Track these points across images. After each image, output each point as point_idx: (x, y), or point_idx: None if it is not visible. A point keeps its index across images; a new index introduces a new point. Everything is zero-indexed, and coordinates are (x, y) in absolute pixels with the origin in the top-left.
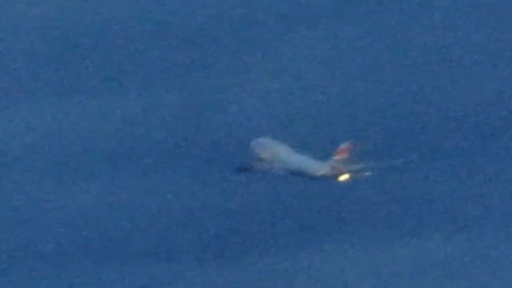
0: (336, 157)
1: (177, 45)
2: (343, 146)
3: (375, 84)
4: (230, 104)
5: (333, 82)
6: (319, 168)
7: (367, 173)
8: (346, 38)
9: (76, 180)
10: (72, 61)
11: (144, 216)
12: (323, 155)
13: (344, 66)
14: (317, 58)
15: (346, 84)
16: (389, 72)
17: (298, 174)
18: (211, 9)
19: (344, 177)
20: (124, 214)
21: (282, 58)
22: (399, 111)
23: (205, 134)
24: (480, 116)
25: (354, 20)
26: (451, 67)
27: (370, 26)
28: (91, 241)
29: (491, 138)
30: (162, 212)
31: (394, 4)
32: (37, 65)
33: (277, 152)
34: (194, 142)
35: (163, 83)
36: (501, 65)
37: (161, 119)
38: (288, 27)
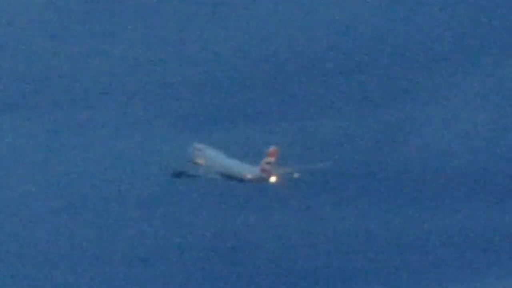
0: (267, 160)
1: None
2: (272, 149)
3: None
4: (416, 131)
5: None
6: (250, 171)
7: (295, 175)
8: None
9: None
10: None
11: None
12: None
13: None
14: (502, 92)
15: None
16: None
17: (231, 177)
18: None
19: (273, 179)
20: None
21: (466, 90)
22: None
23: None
24: None
25: None
26: None
27: None
28: None
29: None
30: None
31: None
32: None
33: (211, 157)
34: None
35: (359, 109)
36: None
37: (357, 142)
38: (474, 60)
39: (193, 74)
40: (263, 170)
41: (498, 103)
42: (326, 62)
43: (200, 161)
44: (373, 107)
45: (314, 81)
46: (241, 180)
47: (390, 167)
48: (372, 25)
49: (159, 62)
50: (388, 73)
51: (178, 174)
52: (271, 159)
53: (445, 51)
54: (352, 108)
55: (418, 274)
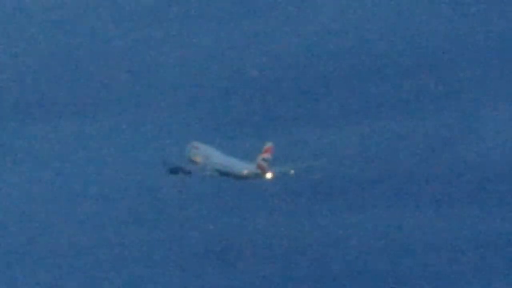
0: (262, 156)
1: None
2: (268, 145)
3: None
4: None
5: None
6: (246, 167)
7: (291, 171)
8: None
9: None
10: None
11: None
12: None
13: None
14: None
15: None
16: None
17: (227, 174)
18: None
19: (270, 175)
20: None
21: None
22: None
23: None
24: None
25: None
26: None
27: None
28: None
29: None
30: None
31: None
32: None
33: (207, 155)
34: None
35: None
36: None
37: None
38: None
39: (196, 76)
40: (259, 166)
41: None
42: (381, 63)
43: (197, 158)
44: (430, 108)
45: (371, 82)
46: (237, 176)
47: (448, 168)
48: (435, 25)
49: (159, 64)
50: (448, 74)
51: (175, 171)
52: (267, 155)
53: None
54: (410, 109)
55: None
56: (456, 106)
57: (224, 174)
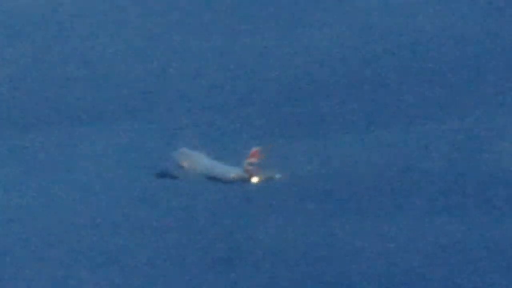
0: (249, 161)
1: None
2: (254, 150)
3: None
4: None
5: None
6: (232, 171)
7: (277, 176)
8: None
9: None
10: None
11: None
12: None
13: None
14: None
15: None
16: None
17: (214, 178)
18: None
19: (255, 179)
20: None
21: None
22: None
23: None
24: None
25: None
26: None
27: None
28: None
29: None
30: None
31: None
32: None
33: (194, 160)
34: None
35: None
36: None
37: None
38: None
39: (186, 82)
40: (246, 171)
41: None
42: (382, 66)
43: (185, 164)
44: (453, 115)
45: (370, 88)
46: (224, 181)
47: (470, 174)
48: (456, 30)
49: (149, 72)
50: (471, 80)
51: (162, 175)
52: (254, 160)
53: None
54: (408, 117)
55: None
56: (456, 111)
57: (211, 178)
